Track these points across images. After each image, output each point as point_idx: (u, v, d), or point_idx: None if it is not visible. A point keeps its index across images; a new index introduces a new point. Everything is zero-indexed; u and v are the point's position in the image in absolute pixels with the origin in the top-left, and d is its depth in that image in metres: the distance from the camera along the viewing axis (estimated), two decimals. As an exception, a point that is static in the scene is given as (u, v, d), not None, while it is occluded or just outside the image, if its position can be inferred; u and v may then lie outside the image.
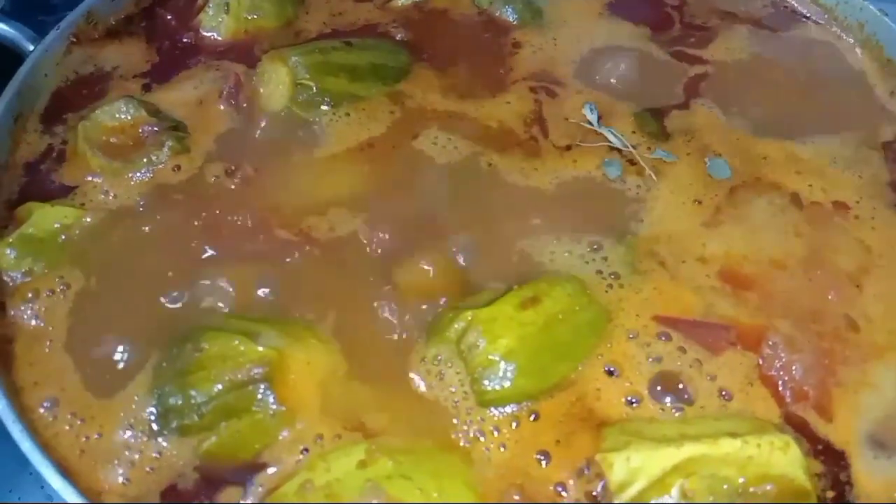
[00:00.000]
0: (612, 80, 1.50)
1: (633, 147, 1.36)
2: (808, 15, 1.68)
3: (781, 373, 1.13)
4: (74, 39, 1.47)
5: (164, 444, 1.05)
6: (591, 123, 1.40)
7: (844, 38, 1.63)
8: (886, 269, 1.27)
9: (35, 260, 1.19)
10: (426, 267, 1.21)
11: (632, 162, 1.36)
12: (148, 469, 1.03)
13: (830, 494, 1.06)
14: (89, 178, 1.29)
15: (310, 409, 1.07)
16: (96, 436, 1.05)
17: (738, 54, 1.58)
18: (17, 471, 1.30)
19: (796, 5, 1.69)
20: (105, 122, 1.33)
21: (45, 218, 1.23)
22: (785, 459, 1.01)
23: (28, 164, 1.33)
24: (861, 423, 1.12)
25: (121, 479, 1.02)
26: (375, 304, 1.17)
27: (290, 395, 1.07)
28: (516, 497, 1.03)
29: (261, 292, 1.18)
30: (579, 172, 1.35)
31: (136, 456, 1.04)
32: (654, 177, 1.33)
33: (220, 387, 1.05)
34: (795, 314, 1.20)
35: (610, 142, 1.36)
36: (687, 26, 1.63)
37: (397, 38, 1.54)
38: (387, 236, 1.24)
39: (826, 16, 1.66)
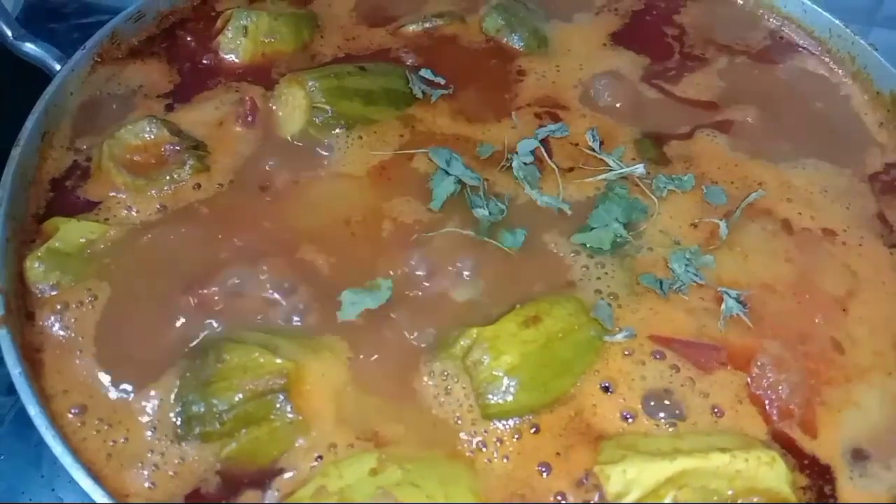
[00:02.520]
0: (613, 107, 1.54)
1: (634, 172, 1.40)
2: (804, 46, 1.72)
3: (769, 392, 1.17)
4: (99, 59, 1.50)
5: (188, 449, 1.08)
6: (593, 149, 1.44)
7: (837, 69, 1.68)
8: (871, 294, 1.32)
9: (62, 273, 1.22)
10: (434, 285, 1.25)
11: (634, 184, 1.40)
12: (171, 473, 1.07)
13: (816, 507, 1.11)
14: (113, 195, 1.33)
15: (324, 419, 1.11)
16: (122, 440, 1.09)
17: (735, 84, 1.62)
18: (29, 473, 1.33)
19: (794, 37, 1.74)
20: (129, 140, 1.36)
21: (72, 232, 1.26)
22: (771, 474, 1.06)
23: (54, 180, 1.35)
24: (845, 440, 1.16)
25: (146, 483, 1.06)
26: (387, 320, 1.21)
27: (306, 405, 1.11)
28: (519, 504, 1.07)
29: (278, 306, 1.21)
30: (583, 194, 1.39)
31: (161, 460, 1.08)
32: (655, 201, 1.38)
33: (240, 396, 1.09)
34: (784, 336, 1.24)
35: (611, 167, 1.41)
36: (685, 56, 1.67)
37: (408, 64, 1.58)
38: (396, 251, 1.28)
39: (820, 48, 1.70)
